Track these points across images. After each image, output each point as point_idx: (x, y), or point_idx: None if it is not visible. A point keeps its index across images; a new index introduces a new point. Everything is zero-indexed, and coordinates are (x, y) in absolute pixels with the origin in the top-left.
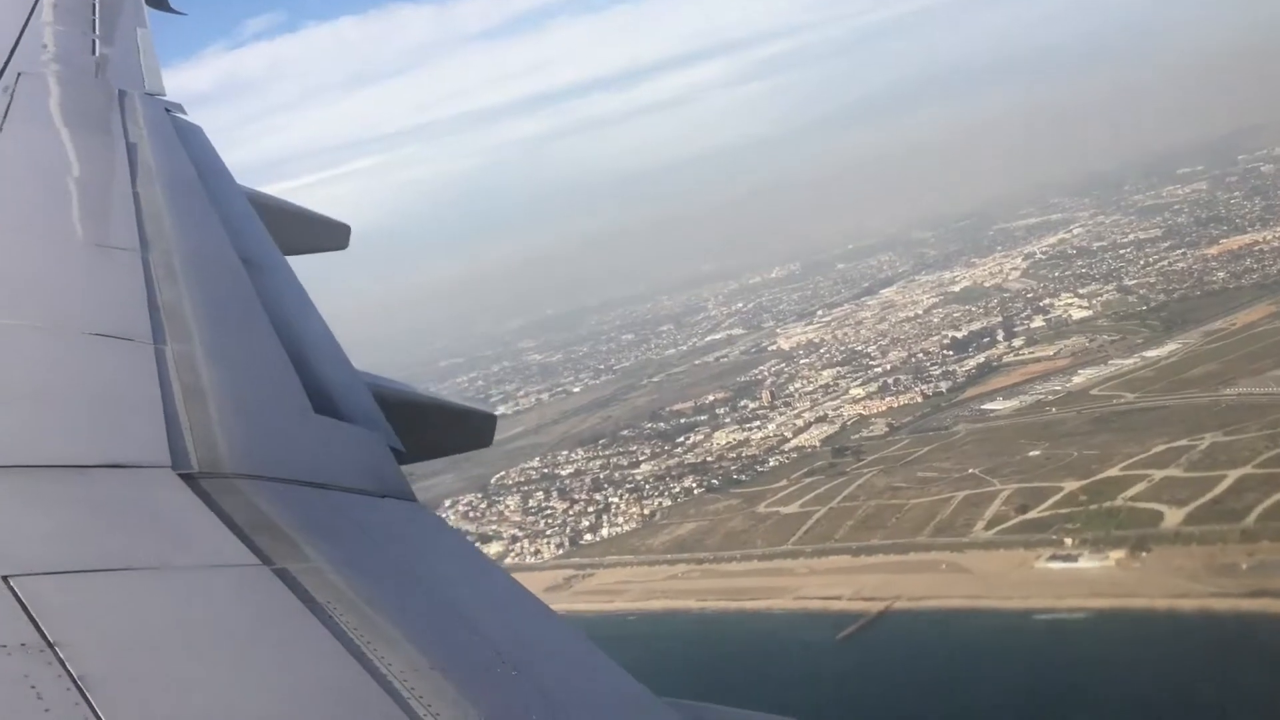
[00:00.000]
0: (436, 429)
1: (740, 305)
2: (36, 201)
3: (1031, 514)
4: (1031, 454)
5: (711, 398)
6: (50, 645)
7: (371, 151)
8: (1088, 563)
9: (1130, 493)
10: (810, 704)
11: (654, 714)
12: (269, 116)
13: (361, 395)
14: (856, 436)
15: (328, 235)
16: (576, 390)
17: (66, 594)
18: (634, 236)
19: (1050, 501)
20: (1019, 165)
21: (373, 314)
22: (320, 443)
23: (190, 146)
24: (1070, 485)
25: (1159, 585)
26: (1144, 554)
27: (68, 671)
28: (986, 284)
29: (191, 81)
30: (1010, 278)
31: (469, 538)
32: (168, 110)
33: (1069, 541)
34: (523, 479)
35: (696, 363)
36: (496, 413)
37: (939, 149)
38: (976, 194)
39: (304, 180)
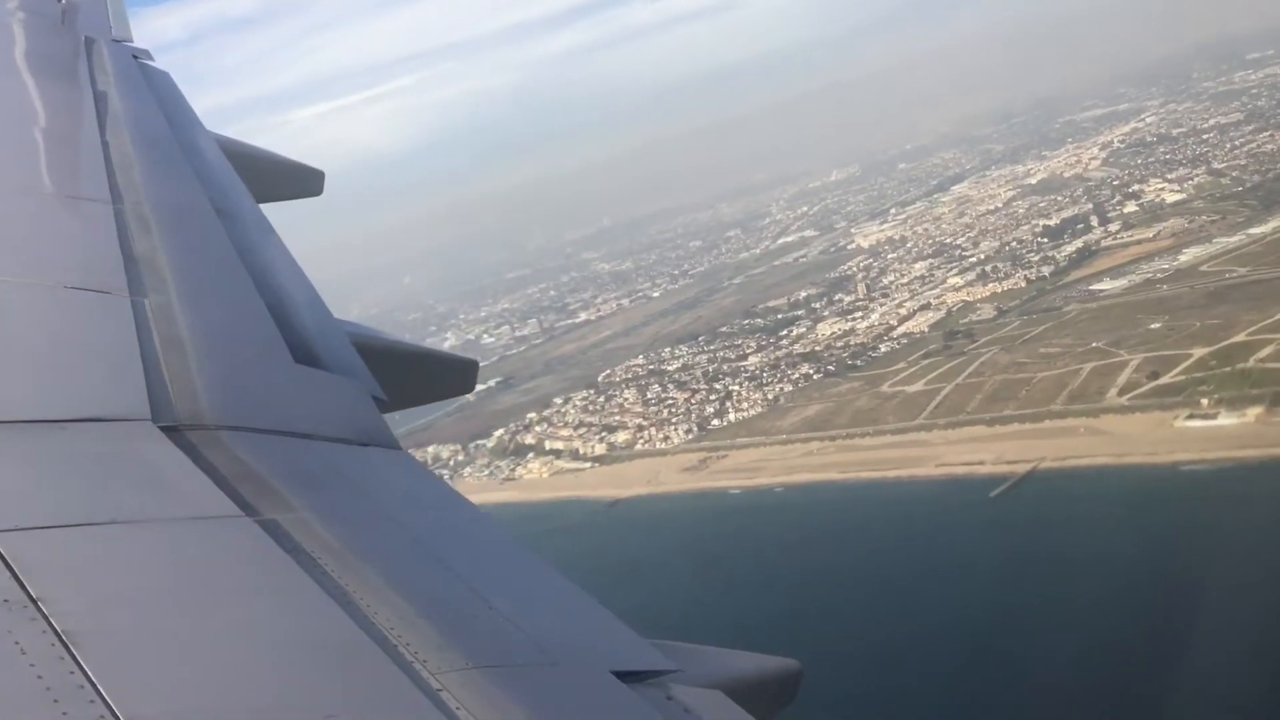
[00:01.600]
0: (419, 377)
1: (805, 209)
2: (4, 153)
3: (1164, 379)
4: (1153, 326)
5: (804, 294)
6: (34, 601)
7: (410, 70)
8: (1226, 419)
9: (1260, 354)
10: (979, 556)
11: (640, 653)
12: (309, 37)
13: (342, 344)
14: (965, 321)
15: (302, 182)
16: (656, 295)
17: (48, 549)
18: (680, 146)
19: (1181, 367)
20: (1077, 57)
21: (419, 227)
22: (301, 392)
23: (159, 95)
24: (1199, 351)
25: None
26: None
27: (52, 627)
28: (1066, 174)
29: (235, 4)
30: (1090, 167)
31: (595, 429)
32: (135, 57)
33: (1205, 402)
34: (630, 375)
35: (775, 264)
36: (579, 319)
37: (990, 46)
38: (1034, 88)
39: (344, 100)
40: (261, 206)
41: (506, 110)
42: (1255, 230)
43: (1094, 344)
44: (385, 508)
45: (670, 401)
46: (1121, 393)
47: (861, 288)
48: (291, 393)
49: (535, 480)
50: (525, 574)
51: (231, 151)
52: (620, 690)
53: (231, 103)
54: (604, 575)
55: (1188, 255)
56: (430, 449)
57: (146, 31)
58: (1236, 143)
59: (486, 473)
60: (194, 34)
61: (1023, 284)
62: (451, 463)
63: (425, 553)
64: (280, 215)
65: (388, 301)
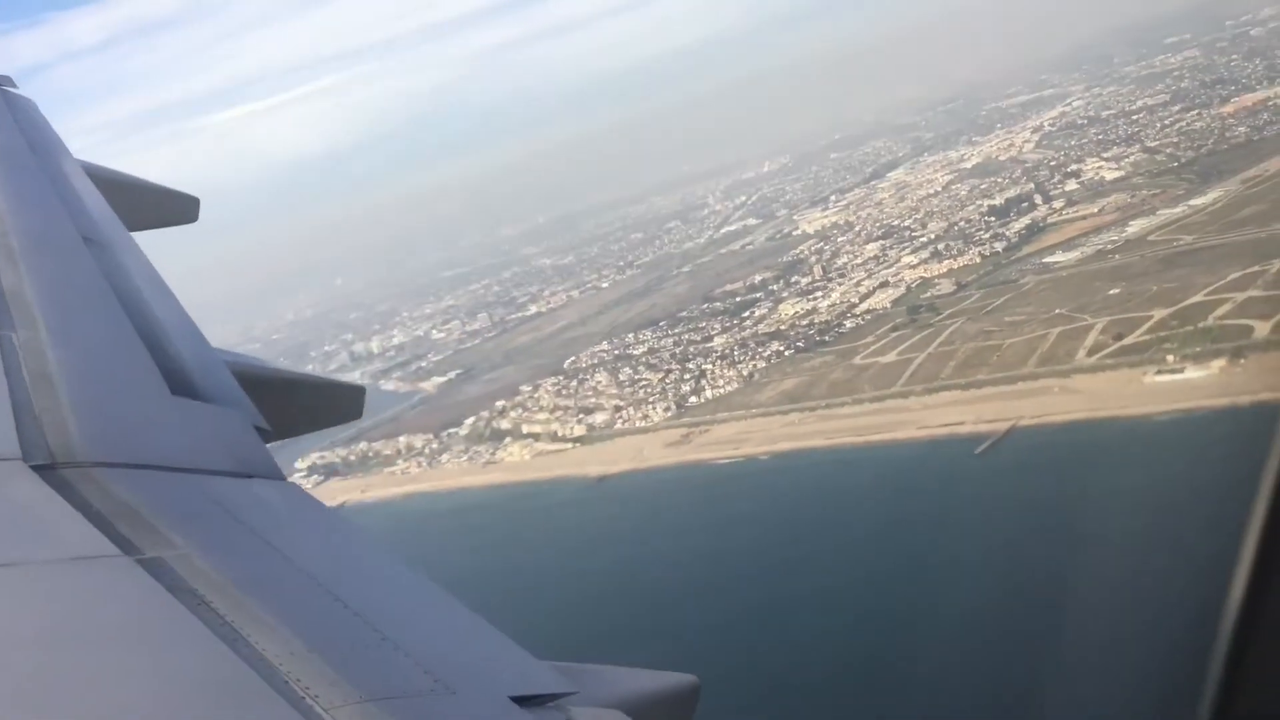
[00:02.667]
0: (305, 404)
1: (743, 198)
2: None
3: (1129, 340)
4: (1112, 292)
5: (759, 278)
6: None
7: (331, 70)
8: (1194, 373)
9: (1218, 313)
10: (976, 503)
11: (538, 677)
12: (229, 38)
13: (221, 374)
14: (926, 296)
15: (176, 208)
16: (605, 286)
17: None
18: (603, 141)
19: (1144, 328)
20: (993, 46)
21: (347, 228)
22: (179, 425)
23: (22, 123)
24: (1159, 313)
25: (1265, 382)
26: (1243, 360)
27: None
28: (1001, 158)
29: (152, 6)
30: (1025, 150)
31: (571, 412)
32: None
33: (1170, 358)
34: (596, 361)
35: (722, 251)
36: (530, 311)
37: (905, 38)
38: (954, 78)
39: (266, 102)
40: (136, 234)
41: (429, 109)
42: (1196, 201)
43: (1057, 310)
44: (270, 540)
45: (644, 383)
46: (1090, 354)
47: (817, 269)
48: (169, 425)
49: (517, 462)
50: (418, 601)
51: (101, 179)
52: (518, 716)
53: (150, 107)
54: (604, 547)
55: (1135, 227)
56: (402, 439)
57: (57, 37)
58: (1166, 122)
59: (465, 458)
60: (109, 37)
61: (977, 259)
62: (426, 450)
63: (313, 585)
64: (194, 226)
65: (322, 303)
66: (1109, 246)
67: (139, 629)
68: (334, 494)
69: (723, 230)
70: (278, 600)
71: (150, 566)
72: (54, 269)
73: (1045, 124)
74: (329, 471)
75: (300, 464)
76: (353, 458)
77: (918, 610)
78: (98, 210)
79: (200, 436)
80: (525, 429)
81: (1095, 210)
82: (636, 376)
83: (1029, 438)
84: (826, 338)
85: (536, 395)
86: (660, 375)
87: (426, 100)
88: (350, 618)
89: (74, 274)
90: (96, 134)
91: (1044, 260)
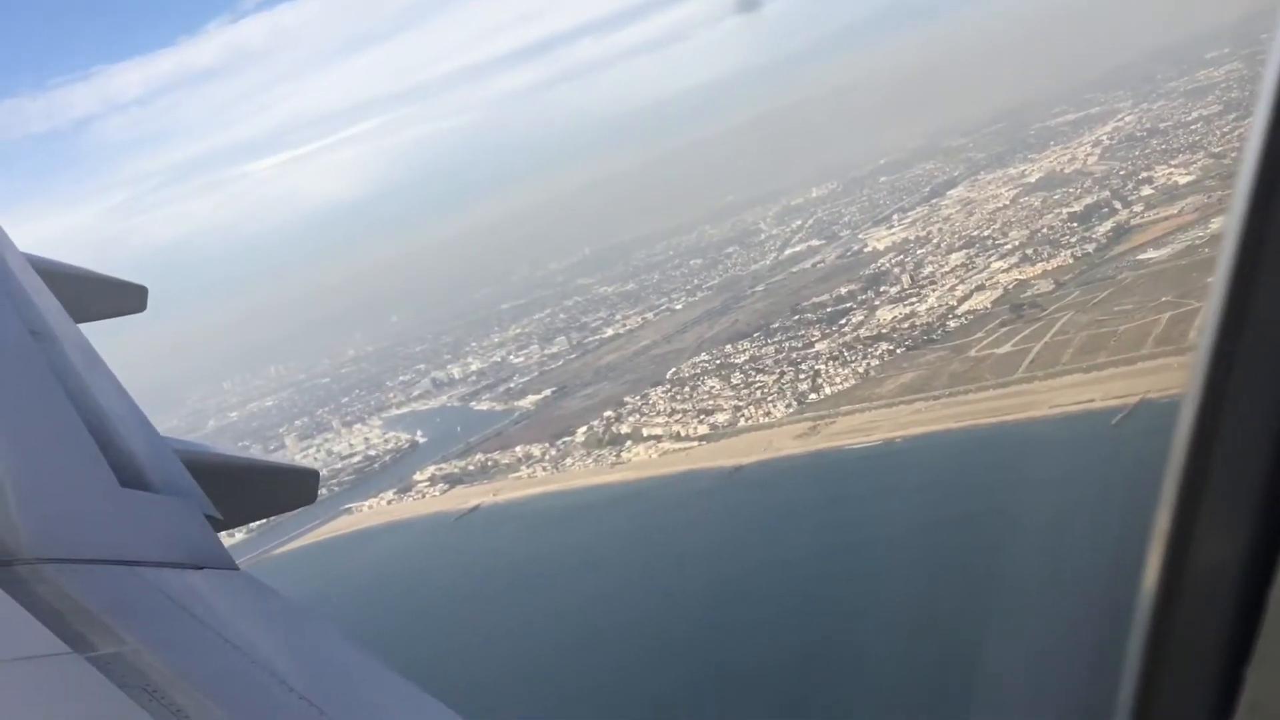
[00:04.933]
0: (257, 490)
1: (798, 223)
2: None
3: None
4: (1211, 280)
5: (844, 289)
6: None
7: (365, 117)
8: None
9: None
10: (1127, 464)
11: None
12: (272, 87)
13: (170, 463)
14: (1026, 295)
15: (123, 298)
16: (679, 307)
17: None
18: (636, 176)
19: None
20: (1029, 70)
21: (390, 270)
22: (129, 518)
23: None
24: None
25: None
26: None
27: None
28: (1065, 171)
29: (196, 57)
30: (1089, 163)
31: (690, 414)
32: None
33: None
34: (699, 371)
35: (793, 270)
36: (606, 334)
37: (934, 66)
38: (993, 101)
39: (303, 149)
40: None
41: (463, 151)
42: None
43: (1163, 298)
44: (221, 632)
45: (759, 384)
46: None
47: (905, 279)
48: (117, 518)
49: (645, 461)
50: (370, 686)
51: (46, 272)
52: None
53: (193, 156)
54: (760, 527)
55: (1218, 223)
56: (517, 449)
57: (106, 89)
58: (1224, 130)
59: (590, 461)
60: (153, 90)
61: (1070, 260)
62: (545, 458)
63: (267, 676)
64: (246, 269)
65: (381, 339)
66: (1197, 242)
67: None
68: (465, 499)
69: (787, 252)
70: (230, 694)
71: (100, 663)
72: None
73: (1103, 138)
74: (453, 481)
75: (419, 476)
76: (471, 468)
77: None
78: (44, 303)
79: (150, 528)
80: (645, 432)
81: (1175, 211)
82: (749, 380)
83: (1161, 408)
84: (934, 336)
85: (647, 403)
86: (774, 377)
87: (457, 143)
88: (302, 708)
89: (19, 368)
90: (142, 183)
91: (1137, 258)
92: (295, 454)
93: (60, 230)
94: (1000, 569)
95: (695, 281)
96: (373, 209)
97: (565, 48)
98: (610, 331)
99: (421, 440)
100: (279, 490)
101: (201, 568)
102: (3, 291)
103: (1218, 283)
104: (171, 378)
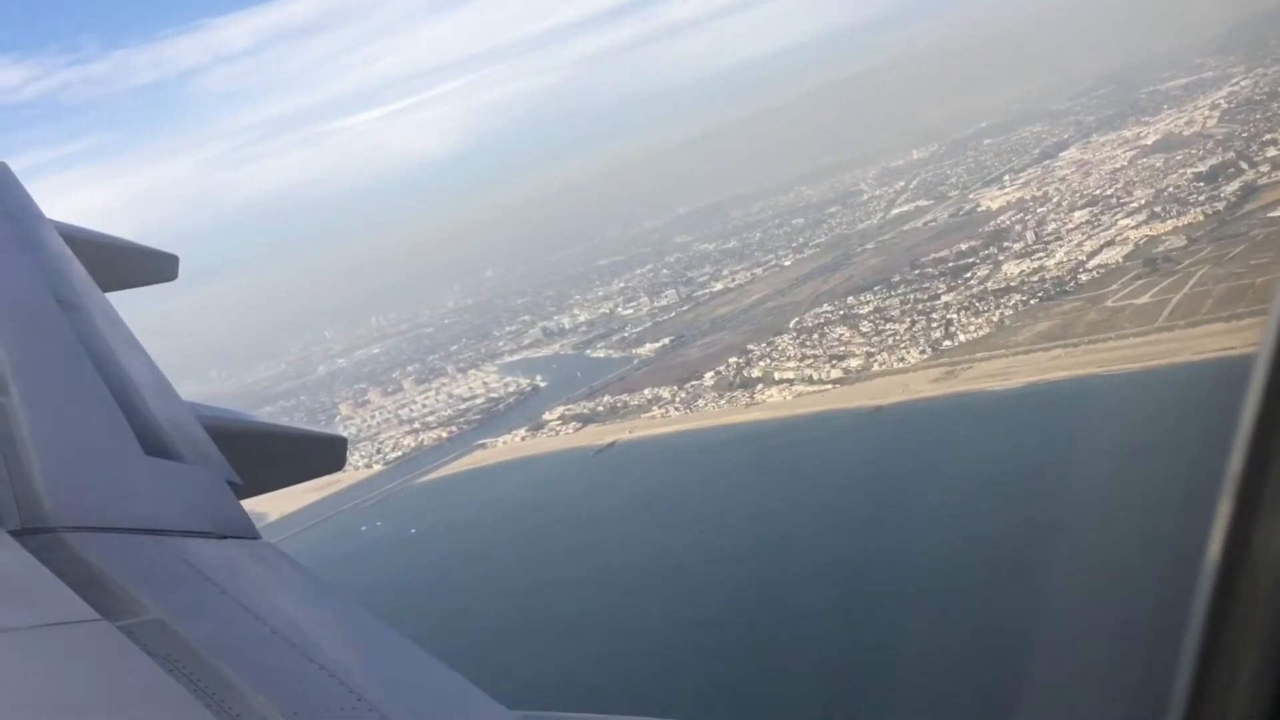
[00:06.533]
0: (286, 456)
1: (901, 184)
2: None
3: None
4: None
5: (964, 246)
6: None
7: (459, 74)
8: None
9: None
10: None
11: None
12: (367, 44)
13: (194, 431)
14: (1158, 250)
15: (154, 266)
16: (787, 264)
17: None
18: (725, 138)
19: None
20: (1130, 35)
21: (481, 226)
22: (153, 486)
23: None
24: None
25: None
26: None
27: None
28: (1184, 133)
29: (297, 12)
30: (1208, 125)
31: (821, 359)
32: None
33: None
34: (823, 320)
35: (904, 229)
36: (715, 288)
37: (1030, 30)
38: (1094, 66)
39: (396, 105)
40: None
41: (550, 111)
42: None
43: None
44: (246, 602)
45: (890, 332)
46: None
47: (1029, 235)
48: (142, 487)
49: (780, 402)
50: (391, 658)
51: (78, 240)
52: None
53: (293, 110)
54: (909, 460)
55: None
56: (646, 391)
57: (213, 40)
58: None
59: (724, 402)
60: (256, 43)
61: (1200, 218)
62: (676, 400)
63: (287, 647)
64: (346, 224)
65: (479, 293)
66: None
67: (117, 694)
68: (601, 435)
69: (894, 212)
70: (253, 663)
71: (130, 631)
72: (26, 333)
73: (1220, 101)
74: (583, 420)
75: (548, 415)
76: (600, 409)
77: None
78: (71, 272)
79: (174, 497)
80: (777, 375)
81: None
82: (879, 328)
83: None
84: (1066, 288)
85: (775, 349)
86: (905, 325)
87: (545, 102)
88: (324, 679)
89: (47, 337)
90: (243, 135)
91: (1269, 215)
92: (414, 396)
93: (159, 181)
94: (1168, 499)
95: (800, 239)
96: (461, 166)
97: (654, 7)
98: (719, 286)
99: (542, 384)
100: (308, 456)
101: (225, 537)
102: (31, 261)
103: None
104: (270, 328)
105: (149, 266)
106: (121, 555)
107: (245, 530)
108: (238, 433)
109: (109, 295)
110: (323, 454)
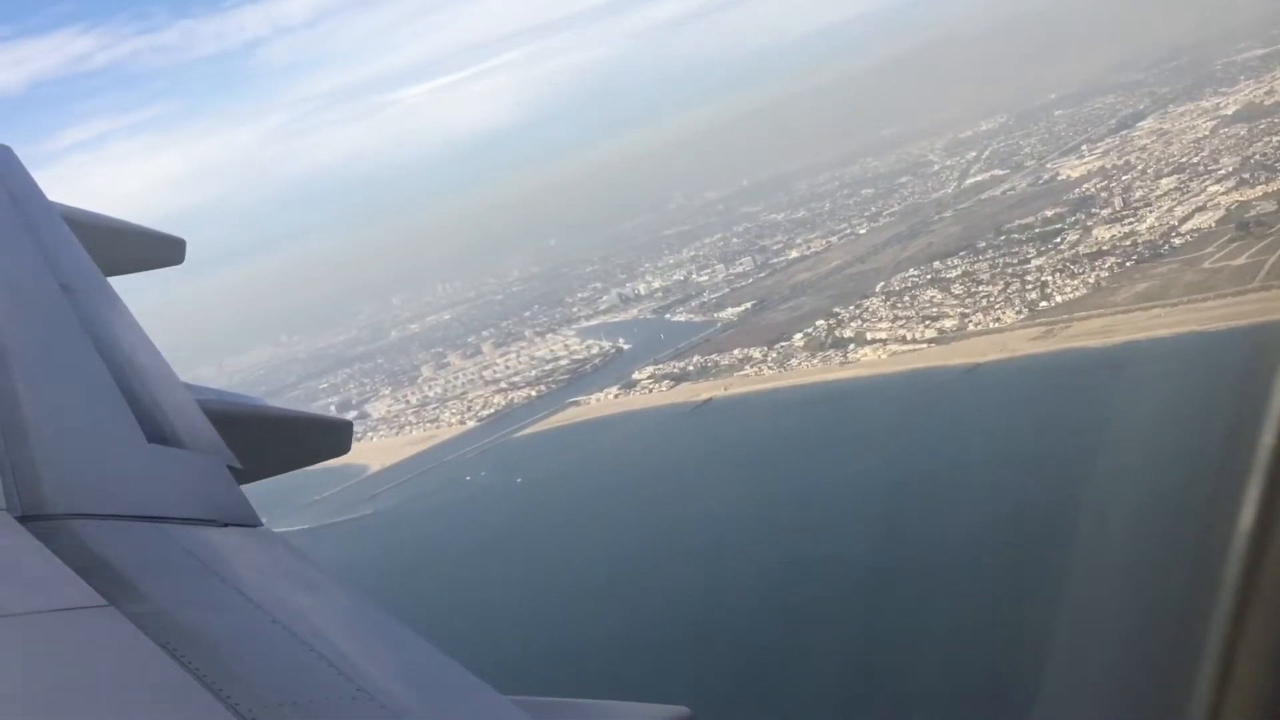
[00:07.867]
0: (289, 441)
1: (973, 154)
2: None
3: None
4: None
5: (1050, 212)
6: None
7: (517, 45)
8: None
9: None
10: None
11: (509, 717)
12: (426, 15)
13: (196, 418)
14: (1251, 215)
15: (159, 250)
16: (863, 232)
17: None
18: (783, 110)
19: None
20: (1208, 7)
21: (541, 198)
22: (154, 473)
23: (1, 172)
24: None
25: None
26: None
27: None
28: (1266, 103)
29: None
30: None
31: (914, 320)
32: None
33: None
34: (911, 284)
35: (982, 197)
36: (791, 255)
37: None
38: (1163, 37)
39: (457, 76)
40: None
41: (604, 83)
42: None
43: None
44: (245, 590)
45: (983, 294)
46: None
47: (1117, 201)
48: (144, 474)
49: (874, 360)
50: (389, 646)
51: (82, 224)
52: None
53: (349, 82)
54: (1011, 414)
55: None
56: (735, 352)
57: (275, 14)
58: None
59: (817, 361)
60: (319, 13)
61: None
62: (767, 359)
63: (287, 635)
64: (407, 197)
65: (543, 261)
66: None
67: (120, 679)
68: (695, 393)
69: (968, 181)
70: (251, 651)
71: (135, 618)
72: (28, 318)
73: None
74: (675, 378)
75: (639, 374)
76: (691, 368)
77: None
78: (74, 256)
79: (176, 484)
80: (870, 335)
81: None
82: (971, 290)
83: None
84: (1160, 251)
85: (865, 311)
86: (999, 287)
87: (601, 74)
88: (323, 667)
89: (49, 323)
90: (303, 106)
91: None
92: (494, 359)
93: (220, 150)
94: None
95: (874, 209)
96: (518, 139)
97: None
98: (795, 253)
99: (625, 346)
100: (311, 441)
101: (226, 524)
102: (34, 246)
103: None
104: (338, 295)
105: (155, 250)
106: (123, 542)
107: (247, 517)
108: (238, 416)
109: (113, 279)
110: (327, 438)
